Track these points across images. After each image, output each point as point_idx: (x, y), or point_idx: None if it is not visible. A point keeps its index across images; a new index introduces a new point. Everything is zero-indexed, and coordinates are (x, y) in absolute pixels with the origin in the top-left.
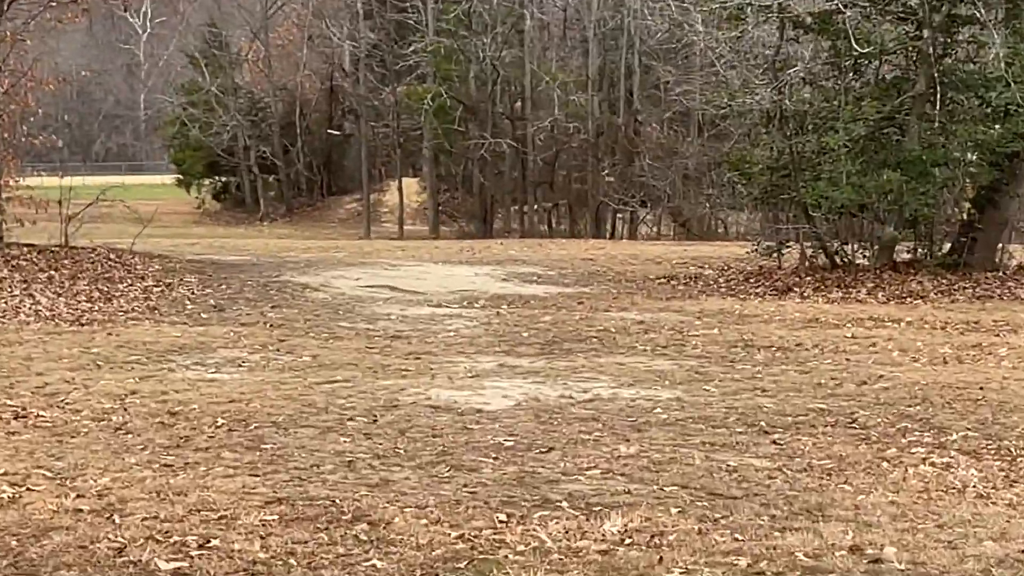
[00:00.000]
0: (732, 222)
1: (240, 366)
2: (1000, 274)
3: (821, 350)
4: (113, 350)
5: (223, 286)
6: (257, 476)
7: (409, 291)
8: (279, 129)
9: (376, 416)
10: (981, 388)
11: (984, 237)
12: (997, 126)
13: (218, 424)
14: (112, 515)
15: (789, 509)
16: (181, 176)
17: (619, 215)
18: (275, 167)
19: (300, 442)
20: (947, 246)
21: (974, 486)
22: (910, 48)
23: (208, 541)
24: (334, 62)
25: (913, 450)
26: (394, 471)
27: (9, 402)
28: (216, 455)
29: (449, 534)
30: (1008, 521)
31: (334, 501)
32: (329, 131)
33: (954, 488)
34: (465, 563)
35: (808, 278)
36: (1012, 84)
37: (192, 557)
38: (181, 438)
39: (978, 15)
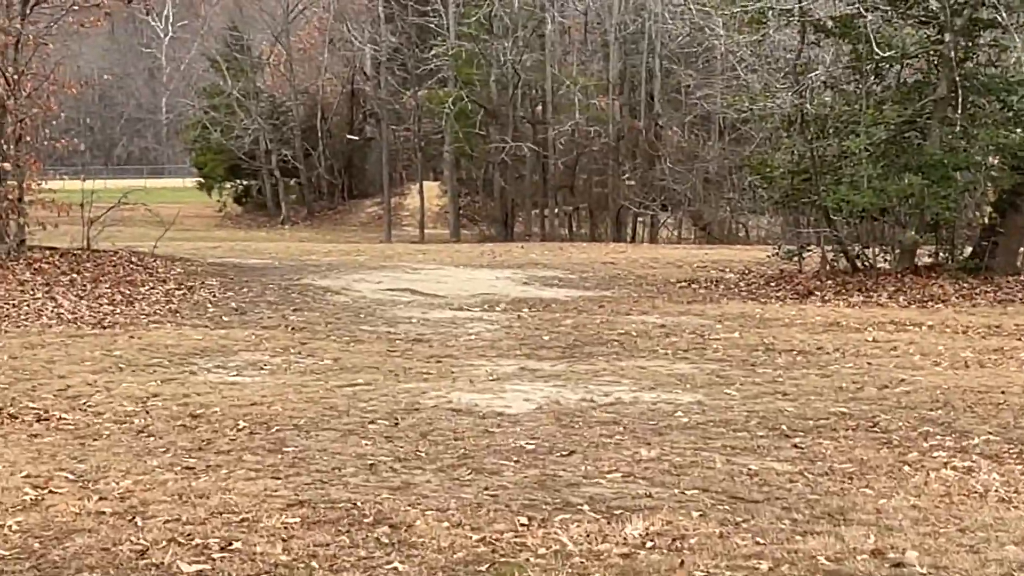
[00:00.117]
0: (753, 226)
1: (262, 369)
2: (1021, 278)
3: (842, 354)
4: (135, 353)
5: (244, 289)
6: (279, 479)
7: (430, 295)
8: (300, 133)
9: (397, 419)
10: (1003, 392)
11: (1005, 241)
12: (1019, 130)
13: (240, 427)
14: (134, 517)
15: (810, 513)
16: (202, 179)
17: (640, 219)
18: (296, 171)
19: (322, 445)
20: (968, 250)
21: (996, 490)
22: (931, 52)
23: (230, 544)
24: (355, 66)
25: (935, 454)
26: (415, 474)
27: (32, 405)
28: (238, 458)
29: (470, 537)
30: None
31: (355, 504)
32: (349, 136)
33: (976, 492)
34: (486, 566)
35: (829, 282)
36: None
37: (214, 560)
38: (203, 441)
39: (1000, 19)
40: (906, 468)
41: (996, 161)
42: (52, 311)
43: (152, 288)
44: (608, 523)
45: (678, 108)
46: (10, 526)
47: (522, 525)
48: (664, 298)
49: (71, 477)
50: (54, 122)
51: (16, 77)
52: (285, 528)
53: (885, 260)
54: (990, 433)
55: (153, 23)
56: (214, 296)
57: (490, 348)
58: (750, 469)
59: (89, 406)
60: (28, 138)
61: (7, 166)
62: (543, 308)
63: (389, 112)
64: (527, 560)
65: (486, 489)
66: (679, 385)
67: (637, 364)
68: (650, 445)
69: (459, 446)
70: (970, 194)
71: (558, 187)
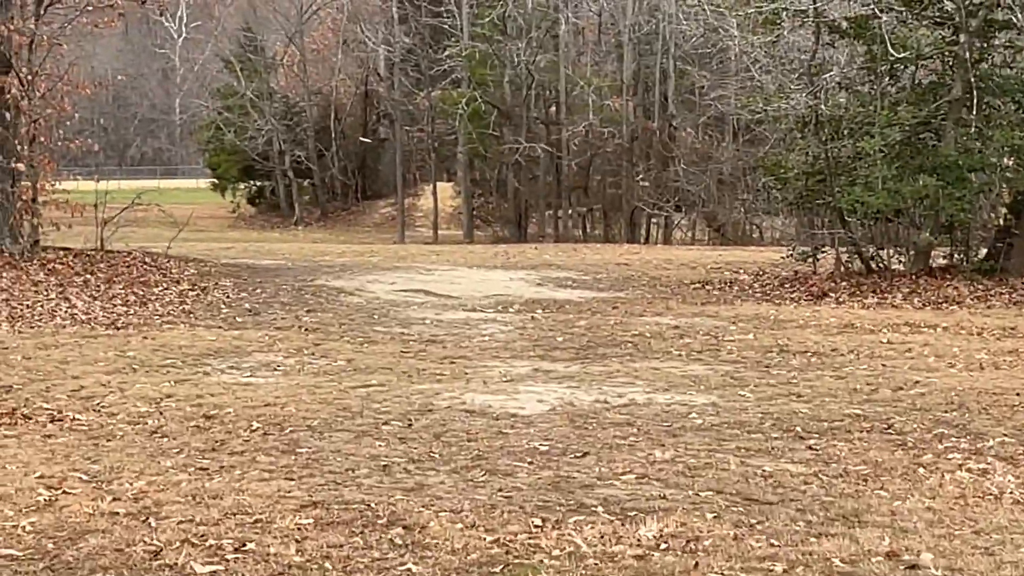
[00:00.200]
0: (767, 227)
1: (275, 370)
2: None
3: (857, 355)
4: (149, 354)
5: (258, 290)
6: (292, 480)
7: (444, 295)
8: (314, 133)
9: (411, 420)
10: (1018, 394)
11: (1021, 243)
12: None
13: (253, 428)
14: (148, 518)
15: (825, 515)
16: (216, 180)
17: (654, 220)
18: (310, 171)
19: (335, 446)
20: (983, 251)
21: (1011, 492)
22: (946, 53)
23: (244, 545)
24: (369, 66)
25: (949, 456)
26: (429, 475)
27: (45, 405)
28: (251, 459)
29: (484, 538)
30: None
31: (369, 505)
32: (362, 139)
33: (991, 494)
34: (500, 567)
35: (843, 283)
36: None
37: (227, 561)
38: (216, 442)
39: (1015, 20)
40: (921, 470)
41: (1011, 162)
42: (66, 312)
43: (166, 289)
44: (622, 525)
45: (692, 109)
46: (24, 527)
47: (536, 526)
48: (678, 299)
49: (85, 478)
50: (68, 123)
51: (30, 78)
52: (299, 529)
53: (900, 261)
54: (1005, 435)
55: (167, 24)
56: (228, 297)
57: (504, 349)
58: (764, 471)
59: (103, 407)
60: (42, 138)
61: (21, 166)
62: (557, 309)
63: (403, 113)
64: (541, 561)
65: (500, 490)
66: (693, 386)
67: (651, 365)
68: (664, 447)
69: (473, 447)
70: (985, 195)
71: (572, 188)
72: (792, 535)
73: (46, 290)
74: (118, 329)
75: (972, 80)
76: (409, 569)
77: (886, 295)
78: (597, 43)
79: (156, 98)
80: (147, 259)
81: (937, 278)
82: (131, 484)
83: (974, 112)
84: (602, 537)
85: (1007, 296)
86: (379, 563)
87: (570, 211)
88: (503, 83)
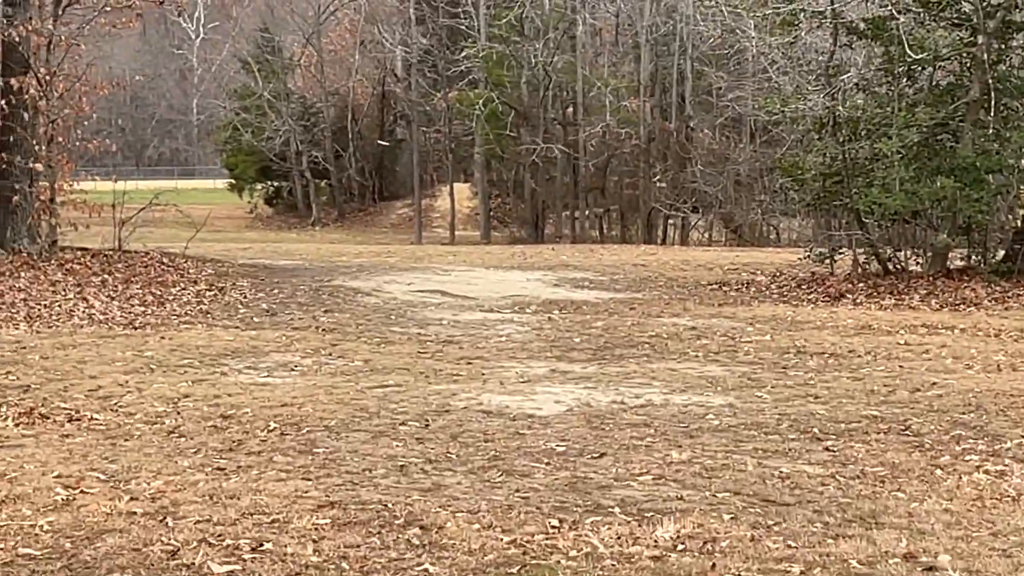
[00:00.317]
0: (784, 228)
1: (292, 370)
2: None
3: (874, 357)
4: (166, 354)
5: (275, 290)
6: (309, 480)
7: (461, 296)
8: (331, 134)
9: (428, 421)
10: None
11: None
12: None
13: (270, 428)
14: (165, 518)
15: (842, 516)
16: (233, 181)
17: (671, 221)
18: (327, 172)
19: (352, 446)
20: (1001, 253)
21: None
22: (964, 54)
23: (261, 544)
24: (386, 67)
25: (967, 457)
26: (446, 476)
27: (63, 405)
28: (268, 459)
29: (501, 539)
30: None
31: (386, 505)
32: (380, 142)
33: (1008, 496)
34: (517, 568)
35: (861, 285)
36: None
37: (245, 560)
38: (234, 442)
39: None
40: (938, 472)
41: None
42: (83, 312)
43: (183, 289)
44: (639, 525)
45: (709, 110)
46: (41, 526)
47: (553, 527)
48: (695, 300)
49: (102, 477)
50: (86, 123)
51: (48, 78)
52: (316, 529)
53: (917, 263)
54: (1023, 437)
55: (184, 24)
56: (245, 297)
57: (521, 350)
58: (782, 472)
59: (120, 406)
60: (60, 139)
61: (39, 167)
62: (574, 310)
63: (420, 114)
64: (558, 562)
65: (517, 491)
66: (710, 388)
67: (668, 366)
68: (681, 447)
69: (490, 448)
70: (1003, 197)
71: (589, 189)
72: (809, 536)
73: (64, 290)
74: (136, 329)
75: (990, 81)
76: (426, 569)
77: (903, 296)
78: (614, 44)
79: (174, 98)
80: (165, 259)
81: (954, 279)
82: (148, 484)
83: (992, 114)
84: (619, 538)
85: None
86: (396, 563)
87: (587, 212)
88: (520, 84)
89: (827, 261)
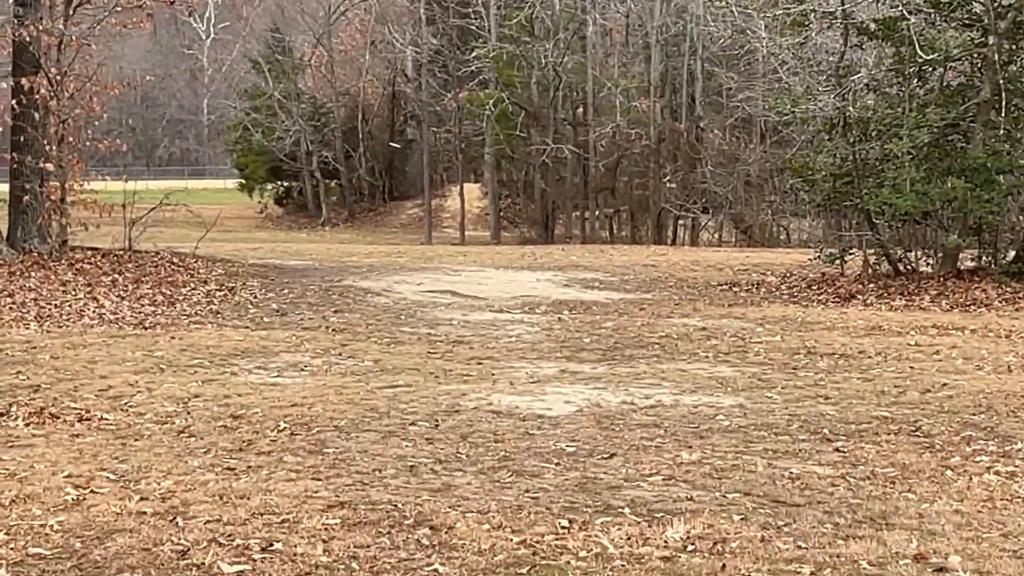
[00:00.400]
0: (794, 229)
1: (302, 370)
2: None
3: (884, 358)
4: (176, 354)
5: (285, 290)
6: (319, 480)
7: (471, 296)
8: (341, 134)
9: (438, 421)
10: None
11: None
12: None
13: (280, 428)
14: (175, 518)
15: (852, 517)
16: (244, 181)
17: (681, 221)
18: (337, 172)
19: (362, 446)
20: (1012, 254)
21: None
22: (975, 55)
23: (271, 544)
24: (396, 67)
25: (977, 459)
26: (456, 476)
27: (73, 405)
28: (278, 459)
29: (511, 539)
30: None
31: (396, 505)
32: (390, 144)
33: (1019, 497)
34: (527, 568)
35: (871, 285)
36: None
37: (255, 560)
38: (244, 442)
39: None
40: (948, 473)
41: None
42: (94, 311)
43: (193, 289)
44: (649, 526)
45: (719, 110)
46: (52, 526)
47: (563, 528)
48: (705, 301)
49: (112, 477)
50: (96, 123)
51: (59, 78)
52: (326, 529)
53: (927, 264)
54: None
55: (195, 24)
56: (255, 297)
57: (530, 350)
58: (792, 473)
59: (130, 406)
60: (71, 139)
61: (50, 166)
62: (584, 310)
63: (430, 114)
64: (568, 563)
65: (527, 491)
66: (720, 388)
67: (678, 367)
68: (691, 448)
69: (500, 448)
70: (1013, 198)
71: (599, 189)
72: (819, 537)
73: (74, 290)
74: (146, 329)
75: (1001, 82)
76: (436, 570)
77: (914, 297)
78: (625, 44)
79: (184, 98)
80: (175, 259)
81: (965, 280)
82: (159, 484)
83: (1003, 114)
84: (629, 538)
85: None
86: (406, 563)
87: (597, 212)
88: (530, 84)
89: (837, 262)
